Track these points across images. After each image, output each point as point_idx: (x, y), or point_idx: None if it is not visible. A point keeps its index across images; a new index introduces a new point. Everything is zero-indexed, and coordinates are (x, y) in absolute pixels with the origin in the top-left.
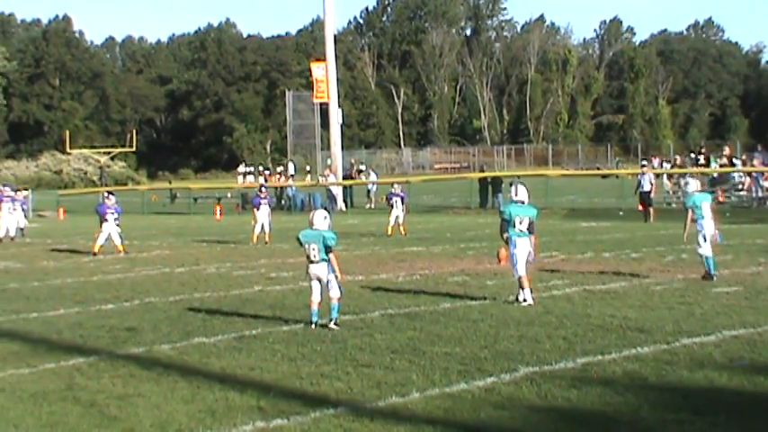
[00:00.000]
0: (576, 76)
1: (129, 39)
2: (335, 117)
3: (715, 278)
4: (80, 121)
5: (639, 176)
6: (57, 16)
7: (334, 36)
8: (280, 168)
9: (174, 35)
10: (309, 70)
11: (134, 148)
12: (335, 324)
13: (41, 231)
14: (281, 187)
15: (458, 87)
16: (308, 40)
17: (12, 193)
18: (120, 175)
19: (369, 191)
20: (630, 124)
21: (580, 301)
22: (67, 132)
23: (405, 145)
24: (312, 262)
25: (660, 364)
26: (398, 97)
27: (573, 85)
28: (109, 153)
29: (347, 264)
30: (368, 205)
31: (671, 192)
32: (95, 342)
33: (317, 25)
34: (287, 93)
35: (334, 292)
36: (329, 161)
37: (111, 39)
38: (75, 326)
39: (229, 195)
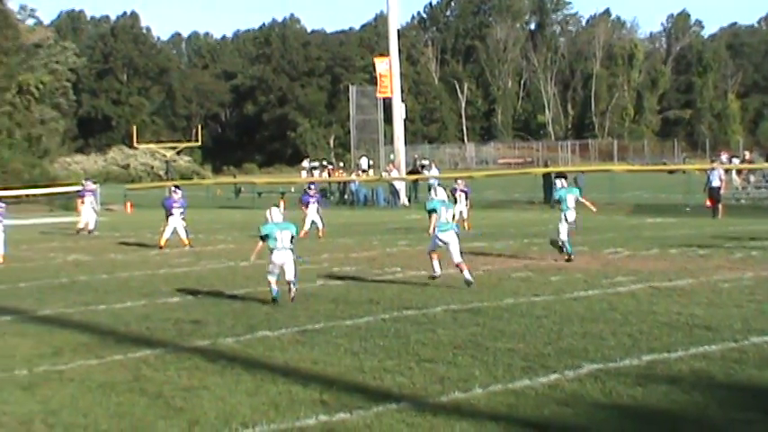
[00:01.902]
0: (643, 71)
1: (194, 35)
2: (399, 112)
3: None
4: (147, 117)
5: (708, 172)
6: (125, 13)
7: (398, 31)
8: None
9: (239, 31)
10: (373, 65)
11: (199, 143)
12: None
13: (110, 225)
14: (344, 182)
15: (522, 82)
16: (372, 35)
17: (93, 187)
18: (186, 169)
19: (430, 186)
20: (698, 119)
21: (645, 298)
22: (135, 127)
23: (468, 140)
24: (279, 249)
25: (728, 362)
26: (462, 92)
27: (639, 79)
28: (175, 148)
29: (410, 259)
30: None
31: (740, 188)
32: (162, 334)
33: (381, 20)
34: (350, 88)
35: (293, 275)
36: (392, 156)
37: (178, 35)
38: (142, 318)
39: (293, 190)
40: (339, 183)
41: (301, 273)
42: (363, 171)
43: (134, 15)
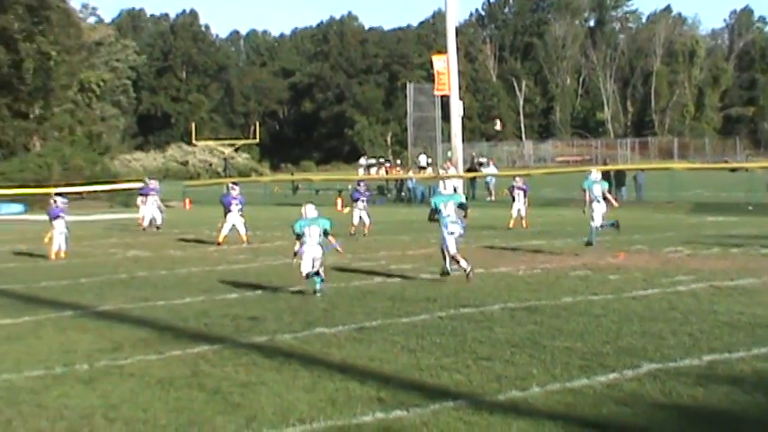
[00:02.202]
0: (704, 68)
1: (253, 32)
2: (456, 109)
3: None
4: (205, 114)
5: None
6: (184, 11)
7: (456, 28)
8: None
9: (296, 28)
10: (430, 62)
11: (257, 140)
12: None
13: (168, 221)
14: (401, 180)
15: (580, 79)
16: (430, 33)
17: (157, 185)
18: (244, 166)
19: (487, 183)
20: (761, 116)
21: (706, 298)
22: (193, 124)
23: (526, 137)
24: (308, 244)
25: None
26: (520, 89)
27: (700, 76)
28: (233, 145)
29: (467, 256)
30: (488, 198)
31: None
32: (220, 330)
33: (439, 17)
34: (408, 85)
35: (320, 267)
36: (449, 153)
37: (236, 32)
38: (201, 314)
39: (350, 187)
40: (396, 180)
41: (360, 270)
42: (422, 168)
43: (193, 13)
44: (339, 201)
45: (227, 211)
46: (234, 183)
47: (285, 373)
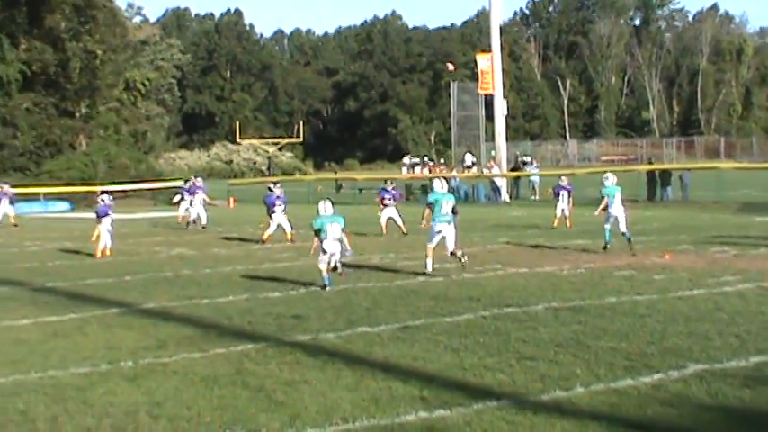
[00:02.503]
0: (752, 66)
1: (297, 31)
2: (500, 109)
3: None
4: (250, 113)
5: None
6: (228, 10)
7: (500, 27)
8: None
9: (340, 27)
10: (474, 61)
11: (301, 139)
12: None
13: (213, 220)
14: (445, 179)
15: (626, 78)
16: (474, 32)
17: (203, 184)
18: (288, 165)
19: (532, 183)
20: None
21: (754, 299)
22: (237, 123)
23: (570, 137)
24: (328, 240)
25: None
26: (564, 88)
27: (748, 75)
28: (277, 144)
29: (511, 256)
30: (533, 197)
31: None
32: (263, 328)
33: (483, 16)
34: (452, 84)
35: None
36: (493, 153)
37: (280, 31)
38: (245, 312)
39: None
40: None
41: (402, 269)
42: (468, 168)
43: (238, 12)
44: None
45: (271, 211)
46: (274, 182)
47: (328, 371)
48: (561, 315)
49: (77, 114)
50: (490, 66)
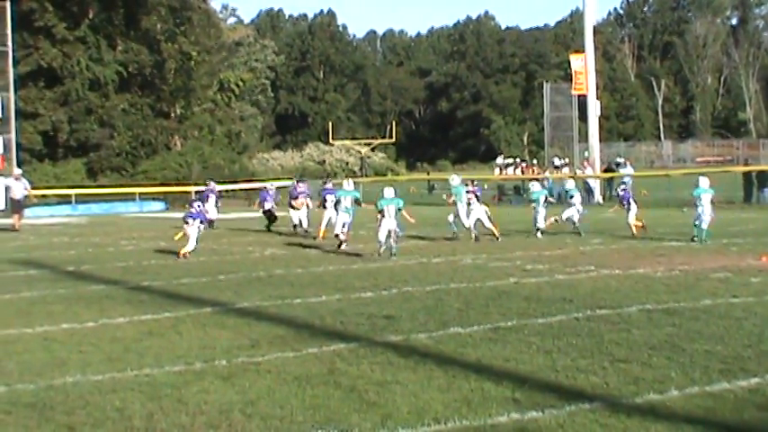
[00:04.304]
0: None
1: (389, 32)
2: (593, 109)
3: None
4: (342, 113)
5: None
6: (322, 11)
7: (594, 27)
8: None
9: (433, 28)
10: (568, 62)
11: (393, 140)
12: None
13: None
14: (538, 179)
15: (722, 78)
16: (567, 32)
17: (306, 188)
18: (380, 165)
19: (624, 184)
20: None
21: None
22: (330, 124)
23: (665, 138)
24: (386, 218)
25: None
26: (659, 89)
27: None
28: (369, 144)
29: (604, 257)
30: None
31: None
32: (355, 329)
33: (577, 17)
34: (545, 85)
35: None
36: (586, 153)
37: (373, 32)
38: (336, 312)
39: (485, 187)
40: (532, 180)
41: (495, 270)
42: (557, 168)
43: (331, 13)
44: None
45: (262, 206)
46: (299, 180)
47: (420, 372)
48: (655, 317)
49: (172, 115)
50: (584, 66)
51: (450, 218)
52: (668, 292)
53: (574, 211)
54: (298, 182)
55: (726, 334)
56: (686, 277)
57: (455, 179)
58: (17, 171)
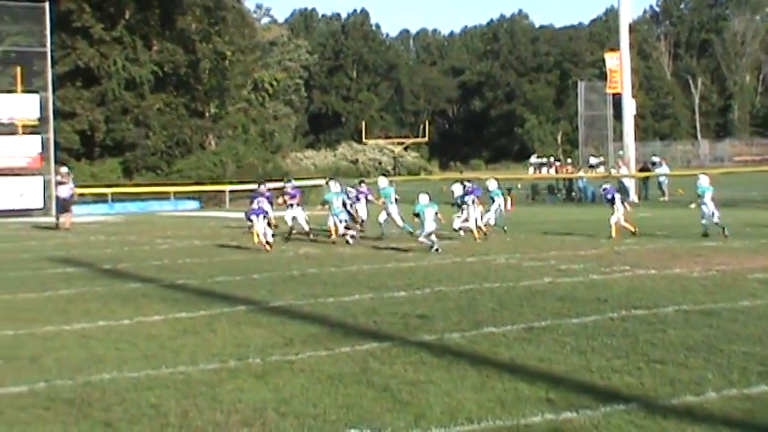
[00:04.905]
0: None
1: (423, 31)
2: (629, 108)
3: None
4: (375, 112)
5: None
6: (355, 10)
7: (629, 25)
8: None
9: (466, 27)
10: (603, 60)
11: (426, 139)
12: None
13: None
14: (570, 179)
15: (760, 76)
16: (602, 30)
17: (367, 189)
18: (413, 164)
19: (660, 183)
20: None
21: None
22: (364, 123)
23: (701, 137)
24: (427, 221)
25: None
26: (695, 87)
27: None
28: (402, 143)
29: (639, 257)
30: (661, 198)
31: None
32: (388, 328)
33: (612, 15)
34: (579, 83)
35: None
36: (621, 153)
37: (406, 31)
38: (370, 311)
39: (519, 186)
40: (566, 179)
41: (529, 270)
42: (592, 167)
43: (364, 13)
44: (508, 200)
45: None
46: (362, 180)
47: (454, 372)
48: (692, 318)
49: (207, 114)
50: (619, 64)
51: (382, 218)
52: (705, 293)
53: (492, 214)
54: (287, 182)
55: (765, 335)
56: (724, 278)
57: (383, 180)
58: (64, 170)
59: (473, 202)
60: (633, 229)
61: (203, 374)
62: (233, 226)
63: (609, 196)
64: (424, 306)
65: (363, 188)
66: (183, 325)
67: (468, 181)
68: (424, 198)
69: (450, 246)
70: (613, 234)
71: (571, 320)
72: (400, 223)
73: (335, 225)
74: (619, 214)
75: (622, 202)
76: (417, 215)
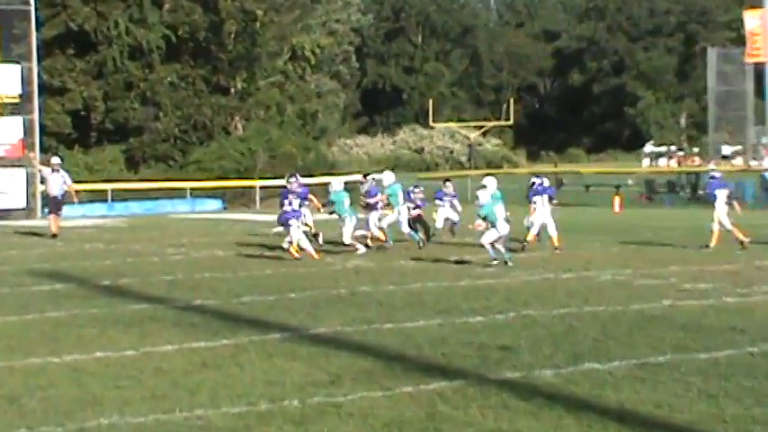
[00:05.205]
0: None
1: None
2: None
3: None
4: (446, 88)
5: None
6: None
7: None
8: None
9: None
10: (741, 21)
11: (511, 122)
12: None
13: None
14: (697, 173)
15: None
16: None
17: (453, 190)
18: (494, 154)
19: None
20: None
21: None
22: (431, 102)
23: None
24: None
25: None
26: None
27: None
28: (481, 127)
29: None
30: None
31: None
32: (461, 362)
33: None
34: (709, 50)
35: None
36: (765, 139)
37: None
38: (438, 341)
39: (630, 182)
40: (691, 174)
41: (642, 290)
42: (725, 158)
43: None
44: (616, 199)
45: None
46: (447, 179)
47: (545, 419)
48: None
49: (232, 90)
50: (762, 26)
51: (386, 222)
52: None
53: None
54: (290, 176)
55: None
56: None
57: (389, 176)
58: (55, 160)
59: (545, 203)
60: (743, 239)
61: (226, 420)
62: (265, 233)
63: (712, 192)
64: (506, 335)
65: (449, 188)
66: (200, 357)
67: (537, 176)
68: (483, 196)
69: (540, 258)
70: (713, 242)
71: (698, 355)
72: (406, 229)
73: (381, 228)
74: (720, 216)
75: (729, 202)
76: (485, 218)
